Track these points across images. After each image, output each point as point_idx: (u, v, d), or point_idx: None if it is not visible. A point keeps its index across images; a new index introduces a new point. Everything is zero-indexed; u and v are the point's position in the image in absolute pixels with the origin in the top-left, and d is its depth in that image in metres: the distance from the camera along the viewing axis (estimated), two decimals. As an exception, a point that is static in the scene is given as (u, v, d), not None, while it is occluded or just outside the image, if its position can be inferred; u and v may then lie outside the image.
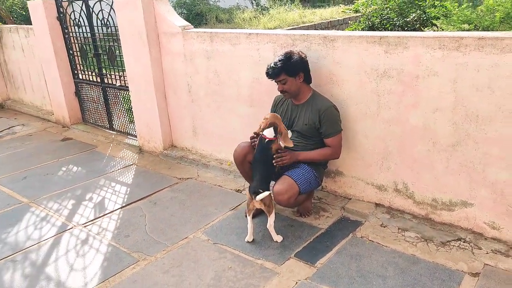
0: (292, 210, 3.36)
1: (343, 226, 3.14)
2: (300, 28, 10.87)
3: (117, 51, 5.03)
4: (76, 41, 5.67)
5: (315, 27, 11.59)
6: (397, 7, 6.83)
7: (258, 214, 3.26)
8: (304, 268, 2.73)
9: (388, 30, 6.50)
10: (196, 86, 4.30)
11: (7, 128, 6.38)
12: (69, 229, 3.43)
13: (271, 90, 3.57)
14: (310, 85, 3.18)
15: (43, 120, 6.67)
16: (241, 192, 3.80)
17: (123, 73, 5.02)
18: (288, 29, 9.59)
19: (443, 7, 6.40)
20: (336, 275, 2.63)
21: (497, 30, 5.17)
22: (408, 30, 6.38)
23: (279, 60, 3.01)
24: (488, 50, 2.52)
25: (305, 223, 3.22)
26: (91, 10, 5.12)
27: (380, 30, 6.57)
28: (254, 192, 2.87)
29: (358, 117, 3.20)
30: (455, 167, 2.83)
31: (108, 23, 4.90)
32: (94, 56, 5.42)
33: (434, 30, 6.56)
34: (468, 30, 5.51)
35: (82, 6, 5.19)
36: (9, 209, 3.82)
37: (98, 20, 5.02)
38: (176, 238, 3.17)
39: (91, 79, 5.68)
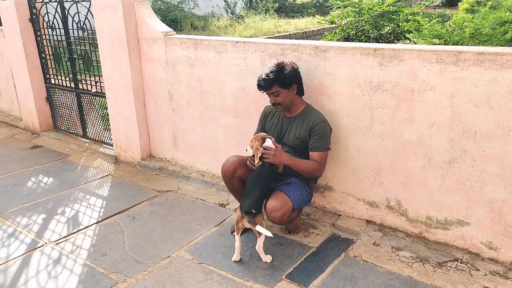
0: (280, 227, 3.20)
1: (334, 245, 3.00)
2: (276, 38, 10.84)
3: (94, 56, 4.80)
4: (49, 44, 5.40)
5: (290, 36, 11.60)
6: (371, 19, 6.87)
7: (244, 231, 3.08)
8: (297, 290, 2.57)
9: (363, 42, 6.53)
10: (178, 94, 4.11)
11: (-29, 134, 6.00)
12: (39, 247, 3.17)
13: (258, 100, 3.44)
14: (303, 97, 3.06)
15: (11, 126, 6.32)
16: (225, 207, 3.62)
17: (99, 79, 4.79)
18: (265, 38, 9.50)
19: (415, 22, 6.49)
20: (330, 298, 2.49)
21: (467, 45, 5.25)
22: (383, 43, 6.41)
23: (271, 72, 2.86)
24: (487, 65, 2.46)
25: (294, 241, 3.07)
26: (66, 12, 4.87)
27: (355, 42, 6.58)
28: (246, 212, 2.70)
29: (349, 130, 3.09)
30: (451, 184, 2.75)
31: (84, 26, 4.67)
32: (68, 60, 5.16)
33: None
34: (439, 44, 5.58)
35: (57, 8, 4.94)
36: (-28, 224, 3.51)
37: (74, 23, 4.78)
38: (157, 257, 2.96)
39: (64, 84, 5.41)
